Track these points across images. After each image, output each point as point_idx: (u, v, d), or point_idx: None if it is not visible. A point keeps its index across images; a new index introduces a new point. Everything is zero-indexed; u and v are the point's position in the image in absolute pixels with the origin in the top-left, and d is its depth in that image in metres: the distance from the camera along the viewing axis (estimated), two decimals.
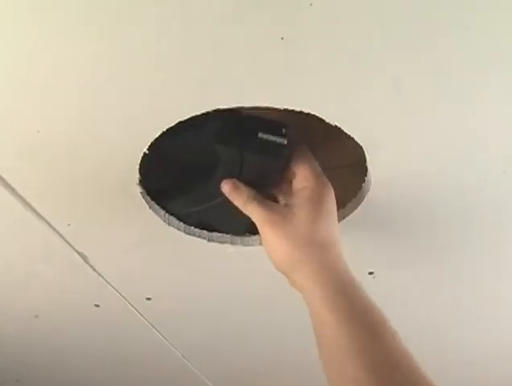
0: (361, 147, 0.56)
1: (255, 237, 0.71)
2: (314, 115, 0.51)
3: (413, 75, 0.48)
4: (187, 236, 0.70)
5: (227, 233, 0.71)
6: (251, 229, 0.65)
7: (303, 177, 0.56)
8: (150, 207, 0.66)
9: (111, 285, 0.88)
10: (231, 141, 0.57)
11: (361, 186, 0.63)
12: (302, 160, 0.57)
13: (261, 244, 0.62)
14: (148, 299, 0.91)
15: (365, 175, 0.61)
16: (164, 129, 0.53)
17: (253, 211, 0.56)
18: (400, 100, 0.51)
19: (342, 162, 0.66)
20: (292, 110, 0.51)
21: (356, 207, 0.65)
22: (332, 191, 0.57)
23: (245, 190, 0.57)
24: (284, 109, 0.51)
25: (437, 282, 0.83)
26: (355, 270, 0.55)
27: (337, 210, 0.61)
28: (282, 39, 0.43)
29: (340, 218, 0.66)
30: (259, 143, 0.56)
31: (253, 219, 0.57)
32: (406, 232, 0.71)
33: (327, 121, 0.52)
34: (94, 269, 0.83)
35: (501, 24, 0.43)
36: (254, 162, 0.57)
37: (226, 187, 0.58)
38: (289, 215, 0.55)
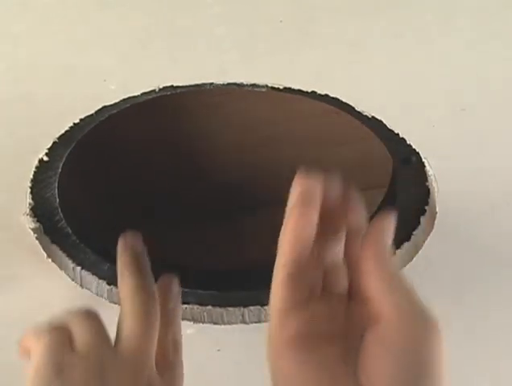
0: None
1: (244, 311, 0.52)
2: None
3: None
4: (113, 305, 0.51)
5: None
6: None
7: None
8: (48, 256, 0.48)
9: None
10: None
11: (411, 234, 0.45)
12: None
13: None
14: None
15: (423, 212, 0.43)
16: (77, 121, 0.39)
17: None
18: None
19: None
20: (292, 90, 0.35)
21: (404, 264, 0.46)
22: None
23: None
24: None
25: None
26: None
27: None
28: None
29: None
30: None
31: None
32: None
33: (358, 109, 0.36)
34: None
35: None
36: None
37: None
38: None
